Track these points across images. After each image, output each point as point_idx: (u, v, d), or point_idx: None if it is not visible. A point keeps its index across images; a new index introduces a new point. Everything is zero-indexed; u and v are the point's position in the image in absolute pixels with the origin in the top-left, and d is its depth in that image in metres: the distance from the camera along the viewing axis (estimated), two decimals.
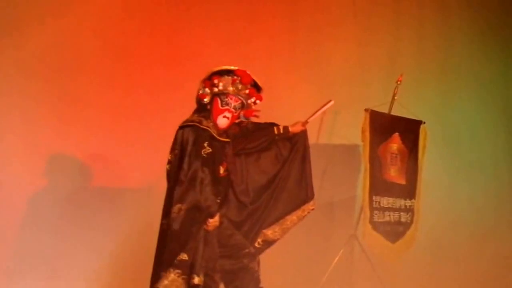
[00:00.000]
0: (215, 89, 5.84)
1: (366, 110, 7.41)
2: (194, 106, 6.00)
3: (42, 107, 7.43)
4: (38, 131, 7.39)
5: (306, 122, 6.17)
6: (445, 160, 8.51)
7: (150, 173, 6.78)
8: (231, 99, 5.87)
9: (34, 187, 7.38)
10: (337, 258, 7.74)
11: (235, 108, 5.90)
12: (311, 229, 8.08)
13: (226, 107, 5.87)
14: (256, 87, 5.97)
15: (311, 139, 8.04)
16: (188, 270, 5.57)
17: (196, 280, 5.57)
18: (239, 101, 5.91)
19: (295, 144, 6.18)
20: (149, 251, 5.83)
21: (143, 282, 5.78)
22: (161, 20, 7.84)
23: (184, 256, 5.58)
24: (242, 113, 6.01)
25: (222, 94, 5.85)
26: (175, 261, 5.56)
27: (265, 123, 6.16)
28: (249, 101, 5.94)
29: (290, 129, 6.12)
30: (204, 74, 5.91)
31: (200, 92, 5.89)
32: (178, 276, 5.55)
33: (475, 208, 8.56)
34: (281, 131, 6.11)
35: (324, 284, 7.70)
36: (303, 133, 6.19)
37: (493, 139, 8.84)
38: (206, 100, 5.86)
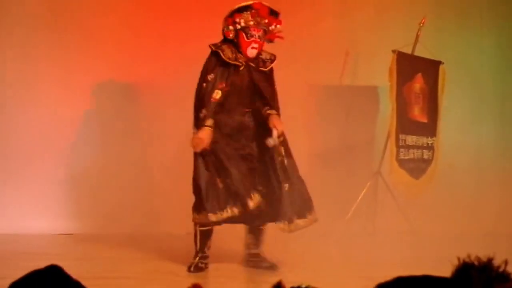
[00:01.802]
0: (238, 26, 6.09)
1: (393, 51, 7.32)
2: None
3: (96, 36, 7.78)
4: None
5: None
6: (467, 100, 8.38)
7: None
8: (254, 30, 6.10)
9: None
10: (362, 194, 7.72)
11: (259, 37, 6.13)
12: (336, 167, 8.06)
13: (252, 38, 6.11)
14: (274, 14, 6.19)
15: (334, 81, 8.08)
16: None
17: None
18: (261, 31, 6.13)
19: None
20: None
21: None
22: None
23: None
24: (267, 38, 6.22)
25: (245, 28, 6.09)
26: None
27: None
28: (270, 28, 6.17)
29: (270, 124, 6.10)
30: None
31: (225, 29, 6.14)
32: None
33: (494, 146, 8.46)
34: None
35: (350, 218, 7.68)
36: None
37: None
38: (232, 36, 6.12)
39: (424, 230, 7.62)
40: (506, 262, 2.16)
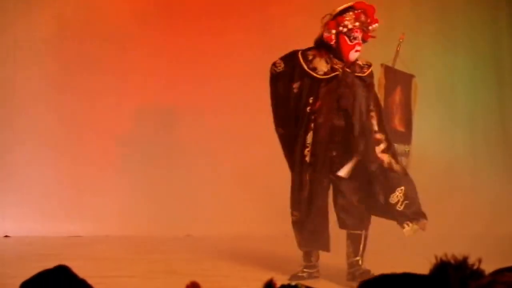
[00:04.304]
0: (344, 29, 5.34)
1: (381, 65, 7.35)
2: None
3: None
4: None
5: None
6: (441, 111, 8.40)
7: None
8: (356, 32, 5.37)
9: None
10: None
11: (360, 38, 5.41)
12: None
13: (355, 41, 5.37)
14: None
15: None
16: None
17: None
18: (362, 31, 5.41)
19: None
20: None
21: None
22: None
23: None
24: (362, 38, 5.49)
25: (348, 30, 5.35)
26: None
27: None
28: (370, 28, 5.43)
29: None
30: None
31: (326, 34, 5.35)
32: None
33: (464, 154, 8.49)
34: None
35: None
36: None
37: (485, 93, 8.68)
38: (333, 41, 5.37)
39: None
40: (480, 261, 2.16)
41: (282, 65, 5.46)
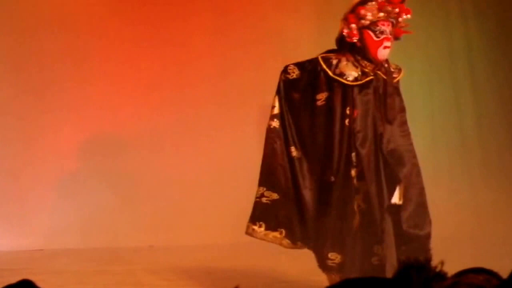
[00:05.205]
0: (365, 22, 4.41)
1: None
2: None
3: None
4: None
5: None
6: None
7: None
8: (383, 25, 4.42)
9: None
10: None
11: (390, 32, 4.44)
12: None
13: (383, 36, 4.41)
14: (403, 1, 4.51)
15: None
16: None
17: None
18: (390, 24, 4.46)
19: None
20: None
21: None
22: None
23: None
24: (394, 34, 4.58)
25: (372, 24, 4.41)
26: None
27: None
28: (400, 19, 4.50)
29: None
30: None
31: (346, 31, 4.43)
32: None
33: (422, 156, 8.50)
34: None
35: None
36: None
37: (442, 95, 8.63)
38: (356, 38, 4.42)
39: None
40: (442, 263, 2.16)
41: (297, 72, 4.56)
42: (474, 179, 8.24)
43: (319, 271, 4.65)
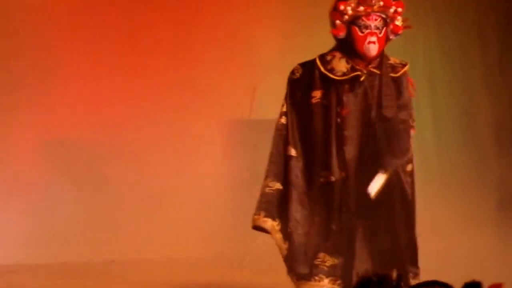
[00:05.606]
0: (346, 17, 4.36)
1: None
2: None
3: None
4: None
5: None
6: None
7: None
8: (368, 20, 4.36)
9: None
10: None
11: (377, 27, 4.36)
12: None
13: (367, 30, 4.35)
14: None
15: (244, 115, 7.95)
16: None
17: None
18: (379, 18, 4.39)
19: None
20: None
21: None
22: None
23: None
24: (389, 31, 4.48)
25: (356, 19, 4.37)
26: None
27: None
28: (389, 14, 4.40)
29: None
30: None
31: (332, 28, 4.41)
32: None
33: None
34: None
35: None
36: None
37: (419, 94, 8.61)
38: (342, 34, 4.38)
39: None
40: (400, 276, 2.14)
41: (300, 71, 4.56)
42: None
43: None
